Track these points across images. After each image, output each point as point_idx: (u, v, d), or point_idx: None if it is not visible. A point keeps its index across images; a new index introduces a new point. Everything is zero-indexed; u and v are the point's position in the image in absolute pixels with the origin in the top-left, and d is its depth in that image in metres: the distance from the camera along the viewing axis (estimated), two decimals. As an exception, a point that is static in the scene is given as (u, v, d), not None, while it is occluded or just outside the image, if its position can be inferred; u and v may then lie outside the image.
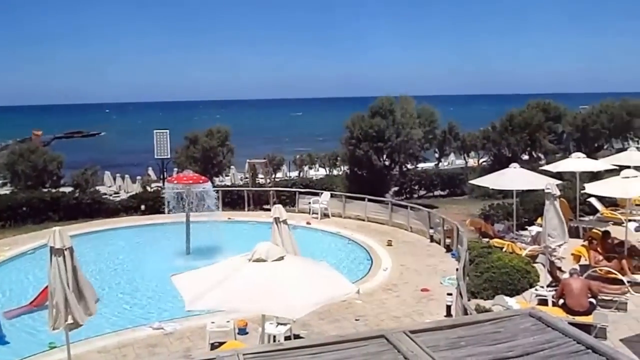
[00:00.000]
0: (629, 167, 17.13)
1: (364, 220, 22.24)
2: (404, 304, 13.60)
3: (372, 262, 17.11)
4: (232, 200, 24.96)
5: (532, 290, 13.43)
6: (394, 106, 26.11)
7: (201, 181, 18.64)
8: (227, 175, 31.93)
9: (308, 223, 21.93)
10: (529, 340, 4.17)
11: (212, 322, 11.20)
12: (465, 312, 10.34)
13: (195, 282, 7.55)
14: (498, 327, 4.44)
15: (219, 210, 20.92)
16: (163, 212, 21.62)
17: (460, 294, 11.53)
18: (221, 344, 10.52)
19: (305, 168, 38.36)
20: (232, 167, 31.74)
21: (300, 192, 24.70)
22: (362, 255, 18.10)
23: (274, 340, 10.28)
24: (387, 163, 26.90)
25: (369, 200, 22.47)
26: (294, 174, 36.78)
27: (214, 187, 21.83)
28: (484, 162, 32.97)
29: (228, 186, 27.59)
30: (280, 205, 12.20)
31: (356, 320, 12.54)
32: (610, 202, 20.82)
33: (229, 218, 22.44)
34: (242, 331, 11.52)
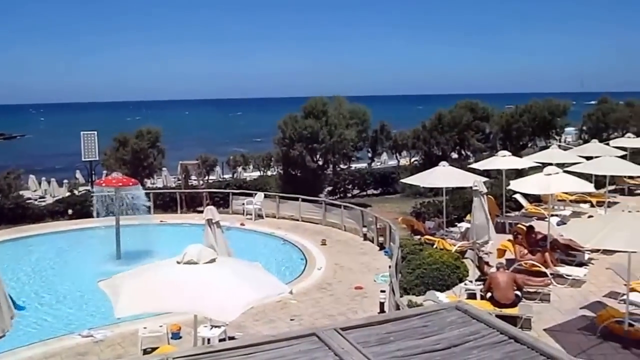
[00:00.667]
0: (551, 164, 17.90)
1: (298, 220, 22.28)
2: (338, 302, 13.71)
3: (306, 261, 17.16)
4: (164, 203, 24.47)
5: (462, 284, 13.81)
6: (327, 106, 26.26)
7: (131, 184, 18.18)
8: (158, 178, 31.26)
9: (242, 224, 21.77)
10: (455, 333, 4.30)
11: (144, 328, 10.94)
12: (398, 308, 10.50)
13: (124, 287, 7.34)
14: (426, 322, 4.56)
15: (150, 213, 20.44)
16: (92, 216, 20.92)
17: (393, 290, 11.73)
18: (154, 349, 10.30)
19: (239, 169, 38.02)
20: (163, 169, 31.08)
21: (234, 193, 24.49)
22: (297, 255, 18.13)
23: (208, 343, 10.13)
24: (320, 163, 27.03)
25: (303, 200, 22.53)
26: (227, 176, 36.38)
27: (145, 189, 21.34)
28: (415, 161, 33.63)
29: (160, 188, 27.03)
30: (213, 207, 12.06)
31: (291, 320, 12.54)
32: (534, 198, 21.68)
33: (161, 221, 21.98)
34: (176, 335, 11.30)
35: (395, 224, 18.10)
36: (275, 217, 22.84)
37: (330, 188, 29.33)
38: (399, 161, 37.21)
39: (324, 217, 21.76)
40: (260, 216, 22.79)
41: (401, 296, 12.03)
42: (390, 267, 13.72)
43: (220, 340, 10.40)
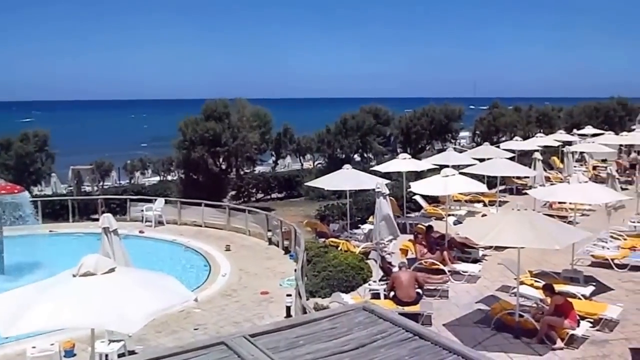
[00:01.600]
0: (447, 166, 18.64)
1: (201, 226, 21.82)
2: (244, 308, 13.53)
3: (210, 268, 16.82)
4: (54, 211, 23.08)
5: (366, 285, 14.04)
6: (229, 109, 25.95)
7: (16, 191, 16.98)
8: (47, 185, 29.54)
9: (141, 232, 21.01)
10: (363, 333, 4.39)
11: (33, 347, 10.18)
12: (304, 312, 10.51)
13: (11, 303, 6.82)
14: (334, 323, 4.61)
15: (38, 223, 19.26)
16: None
17: (299, 294, 11.73)
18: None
19: (137, 174, 36.74)
20: (53, 174, 29.42)
21: (132, 200, 23.60)
22: (200, 262, 17.72)
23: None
24: (223, 167, 26.66)
25: (206, 205, 22.09)
26: (125, 181, 35.05)
27: (31, 197, 20.06)
28: (319, 164, 33.98)
29: (49, 196, 25.48)
30: (109, 214, 11.56)
31: (195, 329, 12.22)
32: (433, 199, 22.47)
33: (51, 231, 20.79)
34: (69, 353, 10.62)
35: (300, 228, 18.14)
36: (176, 223, 22.22)
37: (233, 192, 29.00)
38: (302, 164, 37.44)
39: (227, 222, 21.44)
40: (160, 223, 22.10)
41: (307, 299, 12.05)
42: (295, 270, 13.71)
43: (119, 356, 9.95)
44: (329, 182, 19.11)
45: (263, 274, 16.16)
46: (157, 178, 35.41)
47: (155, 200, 22.92)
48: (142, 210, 22.63)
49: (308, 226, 19.16)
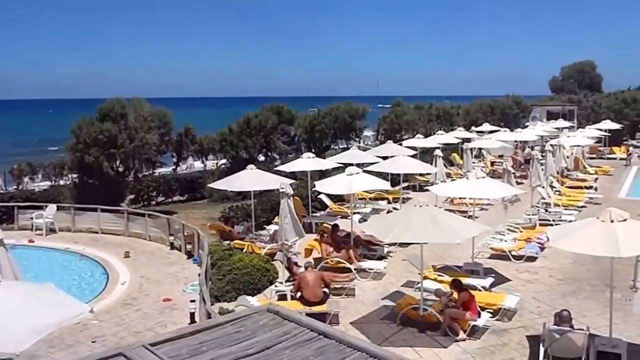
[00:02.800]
0: (352, 164, 18.79)
1: (97, 232, 20.69)
2: (145, 317, 12.90)
3: (108, 276, 15.94)
4: None
5: (272, 287, 13.83)
6: (126, 109, 24.88)
7: None
8: None
9: (31, 241, 19.63)
10: (267, 335, 4.37)
11: None
12: (209, 317, 10.14)
13: None
14: (239, 327, 4.56)
15: None
16: None
17: (204, 299, 11.34)
18: None
19: (26, 179, 34.37)
20: None
21: (20, 207, 22.04)
22: (97, 270, 16.78)
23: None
24: (121, 170, 25.52)
25: (102, 210, 21.01)
26: (12, 187, 32.69)
27: None
28: (222, 164, 33.37)
29: None
30: (-8, 222, 10.62)
31: (93, 342, 11.50)
32: (338, 198, 22.59)
33: None
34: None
35: (204, 231, 17.64)
36: (70, 230, 20.96)
37: (132, 196, 27.85)
38: (205, 165, 36.66)
39: (126, 227, 20.48)
40: (52, 230, 20.77)
41: (212, 304, 11.70)
42: (199, 275, 13.26)
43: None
44: (232, 183, 18.70)
45: (165, 280, 15.54)
46: (48, 183, 33.30)
47: (47, 206, 21.51)
48: (32, 218, 21.16)
49: (212, 229, 18.69)
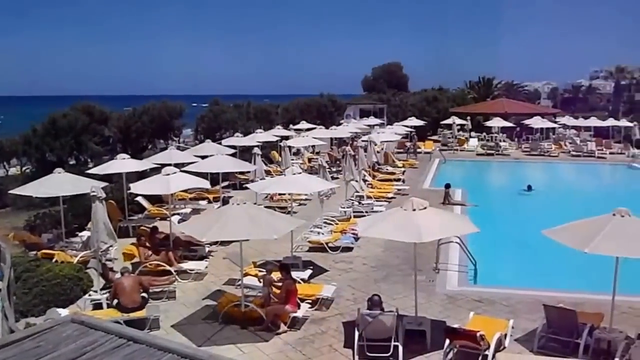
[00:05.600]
0: (170, 164, 18.33)
1: None
2: None
3: None
4: None
5: (86, 296, 13.05)
6: None
7: None
8: None
9: None
10: (71, 347, 4.17)
11: None
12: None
13: None
14: (39, 341, 4.31)
15: None
16: None
17: (6, 316, 10.36)
18: None
19: None
20: None
21: None
22: None
23: None
24: None
25: None
26: None
27: None
28: (27, 169, 30.64)
29: None
30: None
31: None
32: (157, 199, 21.91)
33: None
34: None
35: (6, 242, 16.06)
36: None
37: None
38: (7, 171, 33.37)
39: None
40: None
41: (17, 320, 10.74)
42: (0, 290, 12.07)
43: None
44: (38, 189, 17.23)
45: (-40, 298, 13.92)
46: None
47: None
48: None
49: (15, 239, 17.09)
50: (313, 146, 33.66)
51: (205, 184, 17.80)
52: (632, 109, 69.05)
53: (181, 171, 17.27)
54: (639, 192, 29.25)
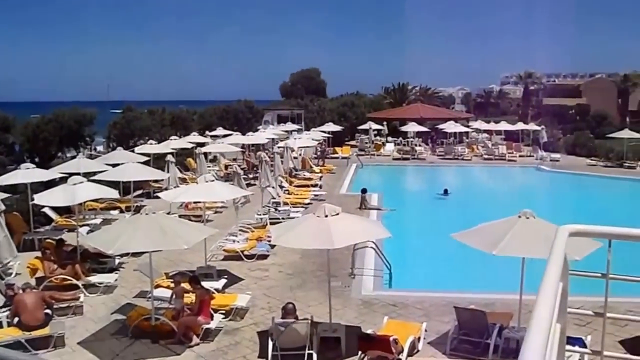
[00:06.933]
0: (79, 174, 17.57)
1: None
2: None
3: None
4: None
5: (-20, 317, 12.23)
6: None
7: None
8: None
9: None
10: None
11: None
12: None
13: None
14: None
15: None
16: None
17: None
18: None
19: None
20: None
21: None
22: None
23: None
24: None
25: None
26: None
27: None
28: None
29: None
30: None
31: None
32: (66, 210, 20.88)
33: None
34: None
35: None
36: None
37: None
38: None
39: None
40: None
41: None
42: None
43: None
44: None
45: None
46: None
47: None
48: None
49: None
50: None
51: (114, 193, 17.13)
52: (540, 113, 72.71)
53: (89, 180, 16.57)
54: (547, 193, 30.94)
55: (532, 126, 47.54)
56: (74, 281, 13.67)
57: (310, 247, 10.97)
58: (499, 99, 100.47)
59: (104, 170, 20.45)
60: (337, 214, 10.80)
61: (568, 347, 2.63)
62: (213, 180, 15.54)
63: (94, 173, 19.90)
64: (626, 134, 38.00)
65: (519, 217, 10.36)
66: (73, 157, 29.05)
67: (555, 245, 2.36)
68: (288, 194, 24.49)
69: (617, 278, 2.75)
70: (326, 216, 10.60)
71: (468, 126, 48.78)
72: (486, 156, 40.90)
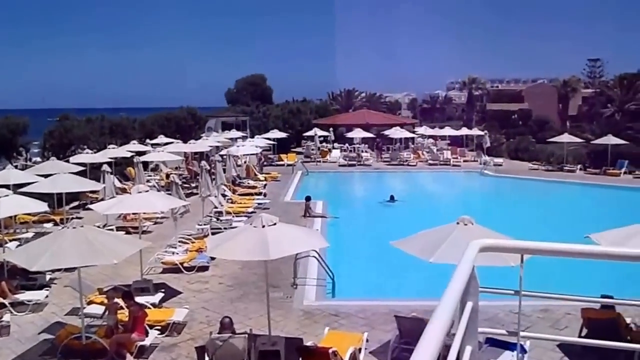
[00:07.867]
0: (8, 186, 16.76)
1: None
2: None
3: None
4: None
5: None
6: None
7: None
8: None
9: None
10: None
11: None
12: None
13: None
14: None
15: None
16: None
17: None
18: None
19: None
20: None
21: None
22: None
23: None
24: None
25: None
26: None
27: None
28: None
29: None
30: None
31: None
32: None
33: None
34: None
35: None
36: None
37: None
38: None
39: None
40: None
41: None
42: None
43: None
44: None
45: None
46: None
47: None
48: None
49: None
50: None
51: (43, 206, 16.24)
52: (484, 118, 74.29)
53: (17, 193, 15.76)
54: (490, 197, 31.48)
55: (475, 131, 48.36)
56: (0, 299, 12.94)
57: (245, 258, 10.68)
58: (445, 104, 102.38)
59: (35, 182, 19.53)
60: (275, 223, 10.53)
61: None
62: (147, 191, 14.97)
63: (25, 184, 19.00)
64: (566, 138, 39.02)
65: (457, 223, 10.33)
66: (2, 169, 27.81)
67: (463, 262, 2.18)
68: (231, 202, 24.02)
69: (530, 295, 2.61)
70: (263, 226, 10.31)
71: (414, 132, 49.28)
72: (431, 161, 41.34)
